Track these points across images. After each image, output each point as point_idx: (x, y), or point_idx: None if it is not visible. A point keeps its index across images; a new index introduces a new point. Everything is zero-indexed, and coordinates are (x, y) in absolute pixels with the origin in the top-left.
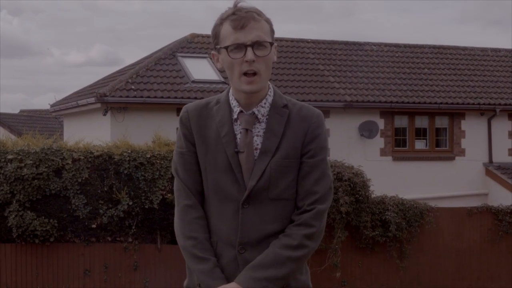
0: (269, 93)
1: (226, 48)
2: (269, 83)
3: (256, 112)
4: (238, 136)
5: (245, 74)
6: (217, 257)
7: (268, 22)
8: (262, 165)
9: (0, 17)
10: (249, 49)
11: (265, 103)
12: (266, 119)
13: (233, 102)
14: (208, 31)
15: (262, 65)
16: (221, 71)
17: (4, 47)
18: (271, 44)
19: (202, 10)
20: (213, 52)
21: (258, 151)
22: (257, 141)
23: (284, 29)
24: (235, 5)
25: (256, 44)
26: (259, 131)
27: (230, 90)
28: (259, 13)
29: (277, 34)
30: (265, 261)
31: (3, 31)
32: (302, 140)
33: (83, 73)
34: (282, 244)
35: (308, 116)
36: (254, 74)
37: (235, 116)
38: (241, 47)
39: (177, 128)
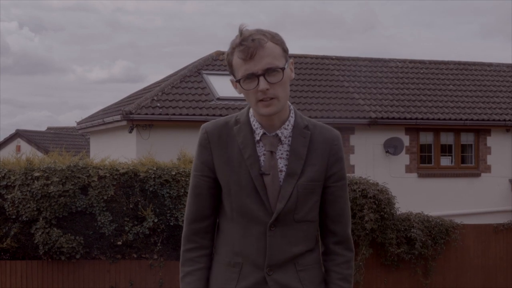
0: (291, 114)
1: (239, 81)
2: (289, 103)
3: (280, 135)
4: (262, 158)
5: (261, 100)
6: (243, 278)
7: (279, 43)
8: (289, 188)
9: (21, 33)
10: (261, 78)
11: (287, 125)
12: (289, 140)
13: (255, 124)
14: None
15: (278, 89)
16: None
17: (26, 64)
18: (283, 69)
19: (224, 27)
20: (231, 78)
21: (283, 173)
22: (281, 163)
23: (305, 45)
24: (241, 33)
25: (268, 71)
26: (282, 153)
27: (250, 111)
28: (267, 36)
29: (299, 51)
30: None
31: (25, 48)
32: (326, 163)
33: (106, 90)
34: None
35: (330, 138)
36: (271, 98)
37: (257, 137)
38: (252, 77)
39: None
